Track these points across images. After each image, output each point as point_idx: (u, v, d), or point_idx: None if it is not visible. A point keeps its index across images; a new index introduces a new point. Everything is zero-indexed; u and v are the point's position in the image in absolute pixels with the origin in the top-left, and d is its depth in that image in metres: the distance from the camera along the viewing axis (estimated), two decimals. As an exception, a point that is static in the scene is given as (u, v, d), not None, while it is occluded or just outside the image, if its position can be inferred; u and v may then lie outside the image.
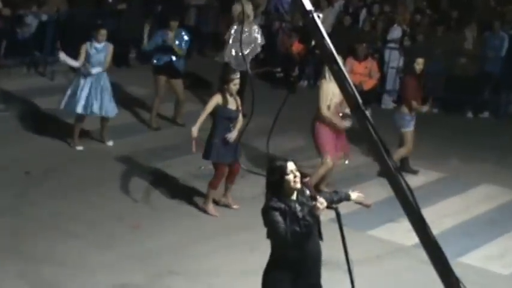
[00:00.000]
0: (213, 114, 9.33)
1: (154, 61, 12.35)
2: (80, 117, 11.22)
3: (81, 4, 14.60)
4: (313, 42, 3.21)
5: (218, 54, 15.74)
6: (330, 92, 9.70)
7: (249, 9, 12.72)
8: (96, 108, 11.13)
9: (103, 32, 11.24)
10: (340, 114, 9.84)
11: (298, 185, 5.61)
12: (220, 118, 9.23)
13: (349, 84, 3.08)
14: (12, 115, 12.21)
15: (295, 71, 15.34)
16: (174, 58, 12.33)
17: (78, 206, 9.23)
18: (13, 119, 12.03)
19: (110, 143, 11.49)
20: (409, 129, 11.11)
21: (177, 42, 12.30)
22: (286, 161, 5.71)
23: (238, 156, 9.47)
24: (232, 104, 9.29)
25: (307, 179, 6.19)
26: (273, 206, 5.52)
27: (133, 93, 13.62)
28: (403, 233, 8.40)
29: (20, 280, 7.36)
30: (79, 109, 11.09)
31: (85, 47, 11.14)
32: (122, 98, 12.59)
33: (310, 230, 5.58)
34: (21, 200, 9.24)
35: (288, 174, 5.58)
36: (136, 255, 8.16)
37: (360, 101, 3.09)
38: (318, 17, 3.18)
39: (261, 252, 8.51)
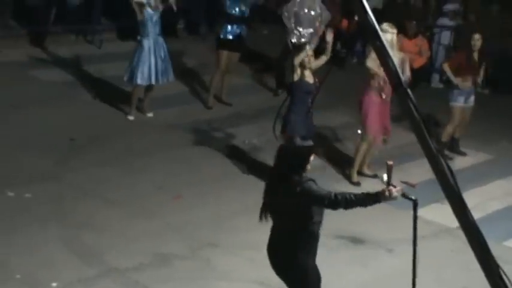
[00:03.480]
0: (290, 89, 9.27)
1: (221, 35, 12.06)
2: (146, 87, 11.30)
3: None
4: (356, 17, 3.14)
5: (265, 27, 15.71)
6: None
7: None
8: (161, 77, 11.20)
9: None
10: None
11: None
12: (299, 92, 9.15)
13: (392, 62, 3.03)
14: (59, 81, 12.31)
15: (337, 45, 15.17)
16: (242, 28, 12.14)
17: (121, 174, 9.30)
18: (60, 85, 12.13)
19: (150, 115, 11.51)
20: (456, 103, 10.97)
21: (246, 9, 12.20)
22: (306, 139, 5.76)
23: (310, 134, 9.34)
24: (310, 78, 9.23)
25: (391, 163, 6.03)
26: (309, 178, 5.45)
27: (180, 64, 13.61)
28: (448, 214, 8.24)
29: (62, 245, 7.47)
30: (153, 80, 11.16)
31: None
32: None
33: None
34: (64, 166, 9.33)
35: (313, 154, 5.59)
36: (177, 226, 8.22)
37: (402, 78, 3.03)
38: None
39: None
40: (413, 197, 5.33)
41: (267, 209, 5.83)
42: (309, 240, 5.64)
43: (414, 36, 13.96)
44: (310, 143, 5.69)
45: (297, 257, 5.66)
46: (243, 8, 12.10)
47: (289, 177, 5.52)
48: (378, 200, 5.29)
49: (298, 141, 5.72)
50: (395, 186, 5.28)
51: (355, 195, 5.34)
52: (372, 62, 9.51)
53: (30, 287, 6.78)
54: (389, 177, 5.39)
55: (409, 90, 3.00)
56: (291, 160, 5.56)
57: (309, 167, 5.53)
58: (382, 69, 9.15)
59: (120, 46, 13.58)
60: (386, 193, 5.21)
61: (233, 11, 12.00)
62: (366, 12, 3.02)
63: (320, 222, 5.63)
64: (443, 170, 3.06)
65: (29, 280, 6.85)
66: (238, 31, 12.11)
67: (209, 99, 12.31)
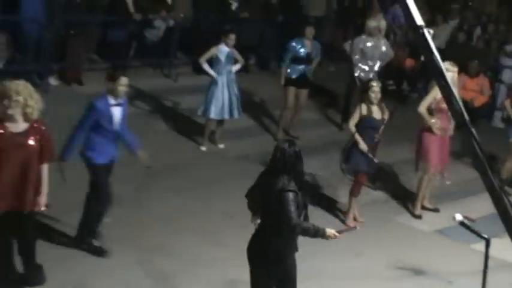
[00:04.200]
0: (358, 122, 9.32)
1: (288, 74, 12.17)
2: (217, 120, 11.45)
3: (206, 11, 14.86)
4: (422, 57, 3.16)
5: (332, 64, 15.80)
6: (437, 98, 9.44)
7: (383, 24, 12.74)
8: (233, 111, 11.39)
9: (232, 37, 11.35)
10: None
11: None
12: (364, 127, 9.20)
13: (456, 100, 3.04)
14: (138, 112, 12.50)
15: (404, 84, 15.17)
16: (306, 67, 12.23)
17: (193, 202, 9.39)
18: (138, 116, 12.31)
19: (222, 146, 11.63)
20: None
21: (313, 51, 12.30)
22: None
23: (372, 169, 9.44)
24: (377, 114, 9.25)
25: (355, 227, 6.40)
26: (294, 190, 5.72)
27: (251, 98, 13.73)
28: (507, 249, 8.14)
29: (137, 268, 7.58)
30: (226, 115, 11.36)
31: (214, 50, 11.31)
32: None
33: None
34: (141, 193, 9.45)
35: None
36: (246, 253, 8.22)
37: (467, 117, 3.04)
38: (429, 32, 3.13)
39: (366, 258, 8.50)
40: (485, 236, 5.32)
41: (252, 204, 6.20)
42: (288, 235, 5.86)
43: (476, 75, 13.86)
44: (295, 149, 5.92)
45: (278, 249, 5.91)
46: (308, 50, 12.16)
47: (278, 176, 5.83)
48: (323, 236, 5.83)
49: (286, 145, 5.96)
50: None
51: (312, 225, 5.79)
52: (424, 108, 9.55)
53: (107, 307, 6.92)
54: (342, 231, 6.00)
55: (473, 129, 3.00)
56: (281, 162, 5.89)
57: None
58: (434, 115, 9.35)
59: (195, 80, 13.75)
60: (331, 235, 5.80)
61: (299, 52, 12.08)
62: (432, 52, 3.04)
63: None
64: (505, 206, 3.04)
65: (106, 300, 7.00)
66: (302, 70, 12.18)
67: (278, 132, 12.41)
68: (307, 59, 12.24)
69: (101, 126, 7.57)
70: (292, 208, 5.68)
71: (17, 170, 6.37)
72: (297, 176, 5.86)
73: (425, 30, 3.06)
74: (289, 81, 12.23)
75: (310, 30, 12.25)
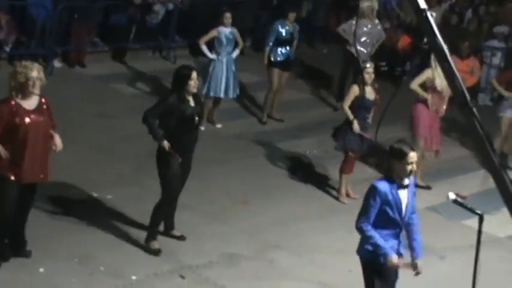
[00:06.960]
0: (352, 103, 9.27)
1: (272, 57, 11.96)
2: (214, 99, 11.41)
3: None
4: (424, 40, 3.13)
5: (326, 46, 15.70)
6: (430, 77, 9.62)
7: (375, 4, 12.65)
8: (231, 91, 11.37)
9: (228, 15, 11.29)
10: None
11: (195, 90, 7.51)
12: (358, 107, 9.16)
13: (458, 81, 3.01)
14: (137, 93, 12.48)
15: (407, 65, 15.11)
16: (289, 50, 12.10)
17: (192, 180, 9.32)
18: (137, 97, 12.28)
19: (219, 126, 11.59)
20: (504, 114, 11.04)
21: (295, 33, 12.17)
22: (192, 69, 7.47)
23: (363, 149, 9.40)
24: (370, 94, 9.23)
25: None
26: (166, 100, 7.52)
27: (245, 79, 13.67)
28: (497, 225, 8.23)
29: (140, 242, 7.58)
30: (221, 94, 11.31)
31: (214, 32, 11.25)
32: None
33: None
34: (142, 172, 9.40)
35: (191, 80, 7.35)
36: (244, 229, 8.27)
37: (468, 97, 3.02)
38: (431, 15, 3.11)
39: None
40: (479, 212, 5.30)
41: None
42: (170, 140, 7.37)
43: (466, 57, 13.83)
44: (189, 70, 7.45)
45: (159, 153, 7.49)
46: (291, 31, 12.05)
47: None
48: (158, 142, 7.52)
49: (178, 68, 7.61)
50: None
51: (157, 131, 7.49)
52: (416, 84, 9.60)
53: (113, 279, 6.93)
54: None
55: (474, 109, 2.99)
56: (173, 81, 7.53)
57: (192, 89, 7.40)
58: (428, 91, 9.38)
59: (192, 62, 13.71)
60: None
61: (282, 34, 11.97)
62: (435, 35, 3.01)
63: (181, 130, 7.37)
64: (505, 183, 3.02)
65: (112, 272, 7.02)
66: (286, 52, 12.06)
67: (264, 115, 12.26)
68: (290, 41, 12.09)
69: (382, 215, 5.88)
70: (152, 109, 7.40)
71: (36, 145, 6.53)
72: (178, 92, 7.35)
73: (429, 13, 3.04)
74: (273, 64, 12.07)
75: (292, 15, 12.10)
